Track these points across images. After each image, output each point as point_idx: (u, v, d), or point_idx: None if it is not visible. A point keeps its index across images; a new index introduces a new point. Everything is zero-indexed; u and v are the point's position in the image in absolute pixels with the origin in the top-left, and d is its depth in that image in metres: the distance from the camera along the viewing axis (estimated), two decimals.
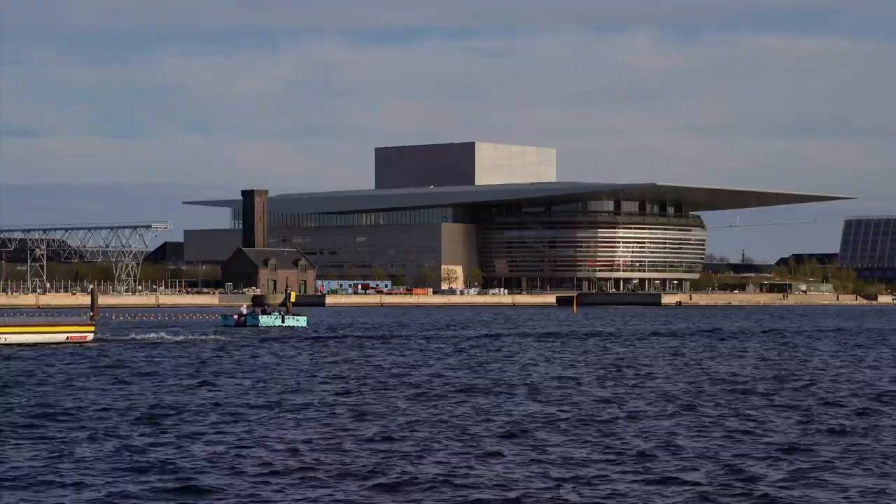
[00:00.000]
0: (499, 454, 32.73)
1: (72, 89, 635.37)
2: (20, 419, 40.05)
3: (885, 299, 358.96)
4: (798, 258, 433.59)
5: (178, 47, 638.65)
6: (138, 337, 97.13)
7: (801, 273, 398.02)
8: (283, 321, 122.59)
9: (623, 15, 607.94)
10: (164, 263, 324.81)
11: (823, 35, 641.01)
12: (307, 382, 55.23)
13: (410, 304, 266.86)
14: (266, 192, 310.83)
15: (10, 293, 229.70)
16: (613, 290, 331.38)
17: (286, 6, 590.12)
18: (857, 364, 70.76)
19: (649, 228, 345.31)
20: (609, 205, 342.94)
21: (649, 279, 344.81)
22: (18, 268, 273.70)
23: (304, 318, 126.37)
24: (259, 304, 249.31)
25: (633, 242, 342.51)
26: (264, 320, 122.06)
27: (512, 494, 27.33)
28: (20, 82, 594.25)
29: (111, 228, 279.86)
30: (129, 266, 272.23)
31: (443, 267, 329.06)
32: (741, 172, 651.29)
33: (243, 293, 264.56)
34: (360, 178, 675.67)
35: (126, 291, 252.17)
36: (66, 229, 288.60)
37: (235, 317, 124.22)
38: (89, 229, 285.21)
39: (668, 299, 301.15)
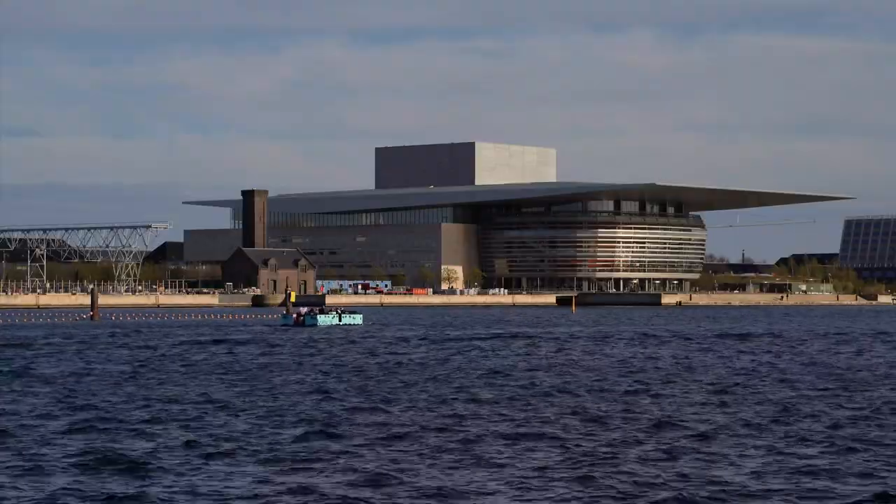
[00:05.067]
0: None
1: (72, 89, 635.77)
2: None
3: (884, 299, 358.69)
4: (798, 258, 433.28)
5: (178, 47, 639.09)
6: None
7: (801, 273, 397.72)
8: (339, 320, 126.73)
9: (623, 15, 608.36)
10: (164, 263, 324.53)
11: (823, 35, 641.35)
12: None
13: (411, 305, 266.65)
14: (266, 192, 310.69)
15: (10, 293, 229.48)
16: (613, 290, 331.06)
17: (286, 6, 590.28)
18: None
19: (649, 228, 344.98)
20: (609, 205, 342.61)
21: (649, 279, 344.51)
22: (18, 268, 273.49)
23: (360, 315, 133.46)
24: (259, 303, 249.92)
25: (633, 242, 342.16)
26: (322, 319, 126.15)
27: None
28: (20, 82, 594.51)
29: (111, 228, 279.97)
30: (129, 266, 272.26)
31: (443, 267, 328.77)
32: (741, 172, 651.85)
33: (243, 293, 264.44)
34: (360, 178, 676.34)
35: (126, 291, 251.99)
36: (66, 229, 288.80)
37: (294, 316, 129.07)
38: (89, 229, 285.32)
39: (668, 299, 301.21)
